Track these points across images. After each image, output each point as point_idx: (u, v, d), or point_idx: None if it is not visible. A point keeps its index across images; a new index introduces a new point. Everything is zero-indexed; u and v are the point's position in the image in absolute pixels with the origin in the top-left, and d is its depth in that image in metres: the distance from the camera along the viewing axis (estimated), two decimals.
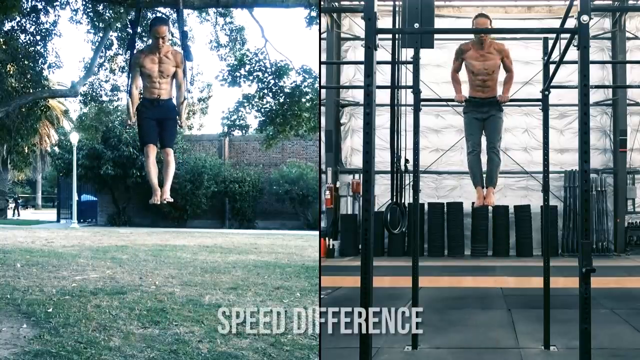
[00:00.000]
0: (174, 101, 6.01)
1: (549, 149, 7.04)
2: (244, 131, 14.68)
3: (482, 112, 6.46)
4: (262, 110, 13.72)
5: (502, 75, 6.55)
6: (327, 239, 17.17)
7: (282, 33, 29.38)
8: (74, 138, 26.01)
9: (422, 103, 6.94)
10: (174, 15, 10.89)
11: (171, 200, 5.87)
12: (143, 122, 5.89)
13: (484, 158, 6.57)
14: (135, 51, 6.23)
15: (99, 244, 17.18)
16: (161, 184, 5.97)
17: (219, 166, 28.22)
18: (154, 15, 12.37)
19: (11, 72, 12.18)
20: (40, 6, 11.93)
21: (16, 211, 35.15)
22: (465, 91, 6.58)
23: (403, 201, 6.78)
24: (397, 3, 6.63)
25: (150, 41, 6.11)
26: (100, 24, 12.18)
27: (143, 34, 11.09)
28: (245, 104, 13.74)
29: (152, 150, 5.83)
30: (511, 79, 6.54)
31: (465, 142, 6.65)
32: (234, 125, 14.15)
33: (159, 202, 5.76)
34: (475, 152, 6.51)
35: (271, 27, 33.45)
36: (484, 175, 6.54)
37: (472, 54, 6.43)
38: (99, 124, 16.15)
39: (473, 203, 17.49)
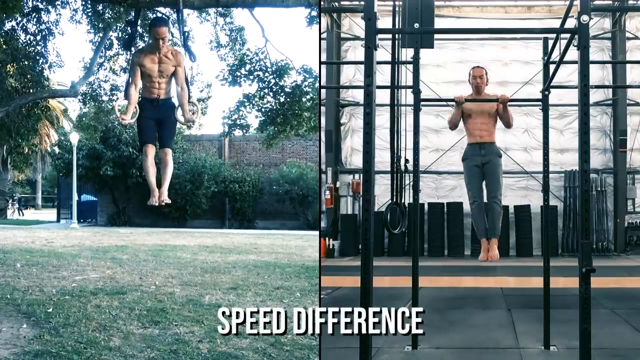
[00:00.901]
0: (174, 101, 6.01)
1: (549, 149, 7.03)
2: (244, 131, 14.68)
3: (481, 156, 6.46)
4: (263, 109, 13.73)
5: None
6: (327, 239, 17.17)
7: (283, 33, 29.34)
8: (74, 138, 26.02)
9: (422, 103, 6.93)
10: (174, 16, 10.88)
11: (169, 201, 5.87)
12: (142, 122, 5.89)
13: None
14: (134, 50, 6.23)
15: (99, 244, 17.18)
16: (159, 184, 5.97)
17: (219, 166, 28.23)
18: (154, 15, 12.39)
19: (11, 72, 12.17)
20: (41, 6, 11.93)
21: (20, 211, 35.11)
22: (463, 136, 6.56)
23: (403, 201, 6.78)
24: (397, 3, 6.63)
25: (150, 41, 6.11)
26: (100, 24, 12.18)
27: (144, 33, 11.09)
28: (246, 104, 13.75)
29: (151, 150, 5.83)
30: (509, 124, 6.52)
31: (467, 192, 6.69)
32: (234, 124, 14.16)
33: (157, 204, 5.76)
34: (477, 203, 6.53)
35: (271, 27, 33.41)
36: (487, 227, 6.53)
37: (469, 107, 6.47)
38: (99, 124, 16.16)
39: None
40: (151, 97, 5.85)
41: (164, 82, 5.89)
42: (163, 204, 5.79)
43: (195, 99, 15.08)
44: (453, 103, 6.89)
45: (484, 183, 6.57)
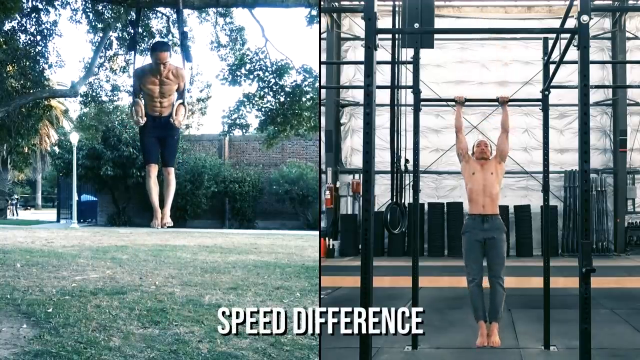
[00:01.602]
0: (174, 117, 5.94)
1: (549, 149, 7.04)
2: (244, 130, 14.69)
3: (484, 231, 6.00)
4: (263, 109, 13.74)
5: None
6: (327, 239, 17.17)
7: (283, 33, 29.39)
8: (74, 138, 26.02)
9: (422, 103, 6.93)
10: (174, 16, 10.90)
11: (171, 224, 5.79)
12: (145, 140, 5.84)
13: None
14: (136, 65, 6.20)
15: (99, 244, 17.18)
16: (161, 203, 5.91)
17: (219, 166, 28.22)
18: (154, 16, 12.41)
19: (11, 72, 12.17)
20: (40, 6, 11.93)
21: (15, 211, 35.01)
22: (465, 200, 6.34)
23: (403, 201, 6.78)
24: (397, 3, 6.64)
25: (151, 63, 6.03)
26: (100, 24, 12.19)
27: (144, 33, 11.10)
28: (246, 103, 13.76)
29: (154, 169, 5.77)
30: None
31: (465, 269, 6.19)
32: (234, 124, 14.17)
33: (160, 227, 5.69)
34: (475, 282, 6.08)
35: (271, 27, 33.44)
36: (487, 309, 6.05)
37: (473, 164, 6.22)
38: (99, 124, 16.17)
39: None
40: (154, 114, 5.81)
41: (166, 101, 5.87)
42: (166, 227, 5.71)
43: (195, 99, 15.14)
44: (453, 103, 6.87)
45: (484, 261, 6.09)
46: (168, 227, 5.77)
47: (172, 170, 5.88)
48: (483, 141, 6.32)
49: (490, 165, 6.21)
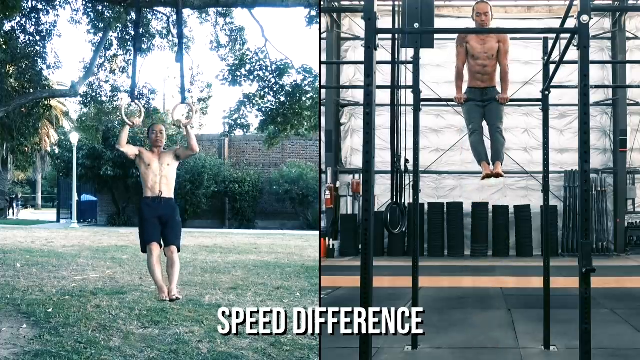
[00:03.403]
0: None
1: (549, 149, 7.04)
2: (245, 130, 14.69)
3: (483, 100, 6.39)
4: (263, 109, 13.74)
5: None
6: (327, 239, 17.17)
7: (283, 33, 29.40)
8: (74, 138, 26.03)
9: (422, 103, 6.93)
10: (175, 16, 10.91)
11: (180, 297, 5.68)
12: (145, 221, 5.77)
13: (486, 140, 6.44)
14: (136, 64, 6.22)
15: (99, 244, 17.18)
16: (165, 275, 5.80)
17: (219, 166, 28.23)
18: (154, 16, 12.42)
19: (11, 72, 12.18)
20: (40, 6, 11.93)
21: (12, 210, 34.93)
22: (466, 82, 6.51)
23: (403, 201, 6.78)
24: (397, 3, 6.63)
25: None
26: (101, 23, 12.19)
27: (144, 33, 11.10)
28: (247, 103, 13.75)
29: (156, 248, 5.69)
30: (507, 74, 6.44)
31: (466, 127, 6.50)
32: (235, 124, 14.16)
33: (167, 299, 5.59)
34: (477, 133, 6.37)
35: (271, 27, 33.47)
36: (489, 154, 6.37)
37: (473, 37, 6.40)
38: (99, 124, 16.17)
39: (473, 203, 17.56)
40: (153, 195, 5.77)
41: (165, 177, 5.85)
42: (174, 298, 5.60)
43: (196, 99, 15.13)
44: (453, 103, 6.87)
45: (484, 122, 6.45)
46: (176, 297, 5.62)
47: (175, 249, 5.72)
48: (483, 6, 6.32)
49: (491, 39, 6.42)
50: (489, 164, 6.30)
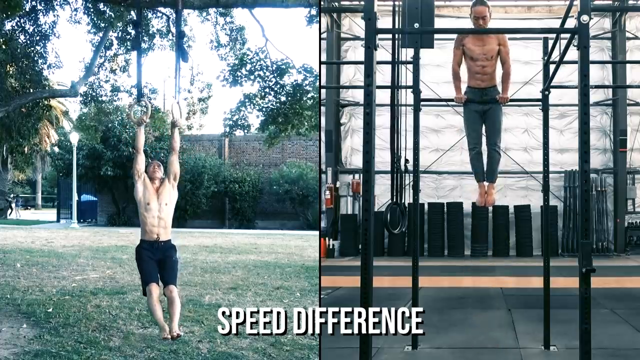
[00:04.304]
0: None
1: (549, 149, 7.04)
2: (245, 130, 14.69)
3: (483, 100, 6.42)
4: (264, 109, 13.73)
5: (500, 67, 6.49)
6: (327, 239, 17.16)
7: (283, 32, 29.40)
8: (74, 138, 26.02)
9: (422, 103, 6.93)
10: (175, 16, 10.91)
11: (181, 334, 5.68)
12: (143, 263, 5.77)
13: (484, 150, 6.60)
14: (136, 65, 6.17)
15: (99, 244, 17.18)
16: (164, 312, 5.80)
17: (219, 166, 28.23)
18: (154, 15, 12.41)
19: (11, 72, 12.17)
20: (40, 6, 11.92)
21: (12, 210, 34.92)
22: (464, 83, 6.53)
23: (403, 201, 6.78)
24: (397, 3, 6.63)
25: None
26: (101, 23, 12.18)
27: (144, 34, 11.09)
28: (247, 103, 13.75)
29: (155, 289, 5.69)
30: (509, 76, 6.45)
31: (466, 137, 6.61)
32: (236, 124, 14.16)
33: (169, 338, 5.59)
34: (476, 150, 6.49)
35: (271, 27, 33.45)
36: (485, 172, 6.59)
37: (471, 40, 6.36)
38: (99, 124, 16.16)
39: (473, 203, 17.54)
40: (151, 239, 5.79)
41: (163, 219, 5.86)
42: (176, 336, 5.60)
43: (196, 99, 15.11)
44: (453, 103, 6.87)
45: (483, 129, 6.55)
46: (177, 334, 5.62)
47: (174, 288, 5.71)
48: (481, 9, 6.25)
49: (490, 40, 6.41)
50: (485, 184, 6.60)
